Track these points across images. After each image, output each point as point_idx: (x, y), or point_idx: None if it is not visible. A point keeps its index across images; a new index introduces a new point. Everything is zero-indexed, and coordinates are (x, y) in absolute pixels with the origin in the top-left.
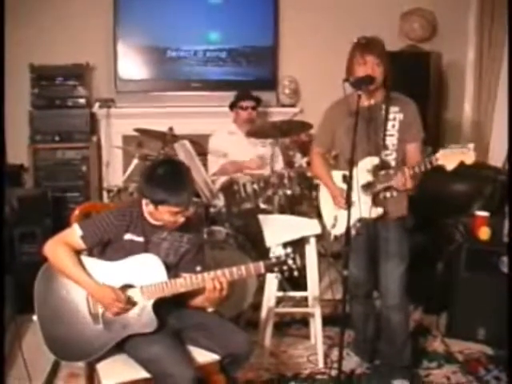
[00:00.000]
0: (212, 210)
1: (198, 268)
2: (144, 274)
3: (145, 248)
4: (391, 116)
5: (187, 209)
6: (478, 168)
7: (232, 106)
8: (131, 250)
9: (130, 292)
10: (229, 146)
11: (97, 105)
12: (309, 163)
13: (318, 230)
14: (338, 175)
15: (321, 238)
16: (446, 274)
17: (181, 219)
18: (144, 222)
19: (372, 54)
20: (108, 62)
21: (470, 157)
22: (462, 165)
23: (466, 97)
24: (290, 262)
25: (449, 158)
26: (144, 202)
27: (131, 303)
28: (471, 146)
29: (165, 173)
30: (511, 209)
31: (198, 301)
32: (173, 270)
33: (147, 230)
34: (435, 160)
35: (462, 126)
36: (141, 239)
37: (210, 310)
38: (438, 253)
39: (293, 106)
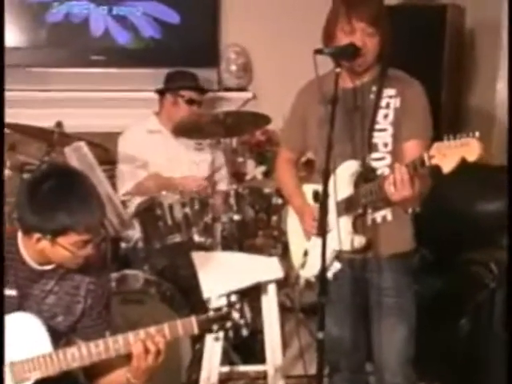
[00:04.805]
0: (123, 245)
1: (107, 332)
2: (17, 344)
3: (19, 305)
4: (383, 102)
5: (99, 233)
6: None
7: (164, 91)
8: None
9: None
10: (149, 151)
11: None
12: (266, 174)
13: (279, 272)
14: (309, 190)
15: (285, 284)
16: (473, 335)
17: (89, 251)
18: (20, 268)
19: (363, 20)
20: None
21: (472, 150)
22: (464, 163)
23: (499, 72)
24: (236, 315)
25: (446, 155)
26: (35, 237)
27: None
28: (476, 134)
29: (58, 187)
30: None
31: (116, 379)
32: (64, 336)
33: (24, 279)
34: (428, 158)
35: (493, 113)
36: (13, 293)
37: None
38: (461, 304)
39: (242, 89)
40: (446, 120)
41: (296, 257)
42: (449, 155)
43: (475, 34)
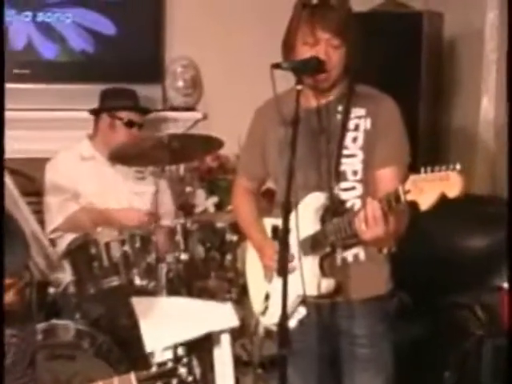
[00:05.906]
0: (51, 290)
1: None
2: None
3: None
4: (352, 124)
5: (22, 277)
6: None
7: (99, 112)
8: None
9: None
10: (81, 180)
11: None
12: (219, 206)
13: (233, 320)
14: (269, 225)
15: (241, 334)
16: None
17: (11, 297)
18: None
19: (328, 30)
20: None
21: (453, 185)
22: (444, 200)
23: (483, 85)
24: (183, 370)
25: (423, 190)
26: None
27: None
28: (457, 166)
29: None
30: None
31: None
32: None
33: None
34: (404, 193)
35: (476, 133)
36: None
37: None
38: (444, 354)
39: (190, 108)
40: (424, 142)
41: (256, 301)
42: (426, 190)
43: (455, 44)
